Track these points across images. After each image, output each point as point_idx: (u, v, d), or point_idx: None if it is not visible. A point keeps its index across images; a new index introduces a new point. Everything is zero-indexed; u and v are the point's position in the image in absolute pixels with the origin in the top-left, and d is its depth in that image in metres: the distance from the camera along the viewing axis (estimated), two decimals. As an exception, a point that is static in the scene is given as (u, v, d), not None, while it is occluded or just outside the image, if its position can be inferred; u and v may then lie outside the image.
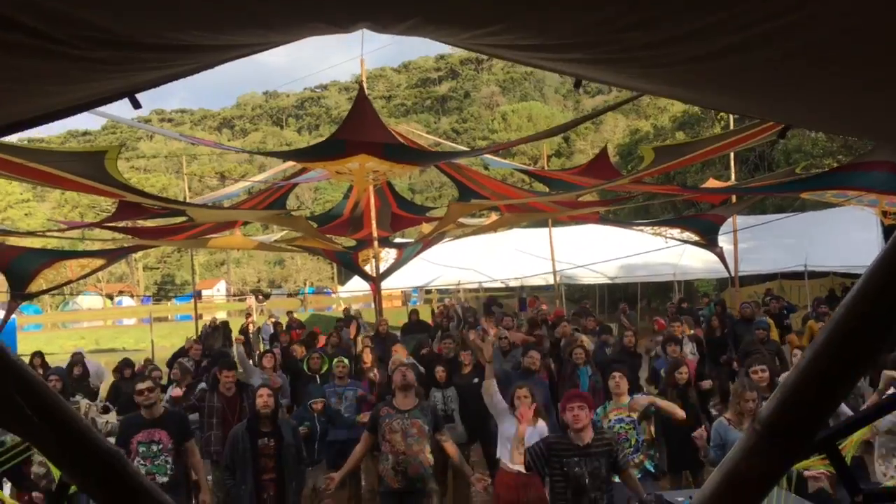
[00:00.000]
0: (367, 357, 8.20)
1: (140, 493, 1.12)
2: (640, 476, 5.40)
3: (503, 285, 23.22)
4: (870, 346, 1.03)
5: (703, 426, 5.77)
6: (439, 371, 7.29)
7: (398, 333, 12.33)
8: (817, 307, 11.90)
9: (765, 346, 9.18)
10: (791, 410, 1.08)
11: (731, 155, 16.44)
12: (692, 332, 10.23)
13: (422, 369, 7.46)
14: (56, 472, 1.17)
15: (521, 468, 5.03)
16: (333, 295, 39.58)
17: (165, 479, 5.30)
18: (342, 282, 35.03)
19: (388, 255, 15.81)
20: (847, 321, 1.03)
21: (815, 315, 11.26)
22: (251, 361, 9.38)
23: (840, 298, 14.77)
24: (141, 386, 5.53)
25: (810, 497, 4.00)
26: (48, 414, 1.04)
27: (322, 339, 11.10)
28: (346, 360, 7.84)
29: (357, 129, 7.61)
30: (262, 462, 5.37)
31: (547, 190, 13.41)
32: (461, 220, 13.99)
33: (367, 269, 14.37)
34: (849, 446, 1.52)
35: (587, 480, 4.26)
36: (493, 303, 17.18)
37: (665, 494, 4.48)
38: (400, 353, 8.00)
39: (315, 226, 13.56)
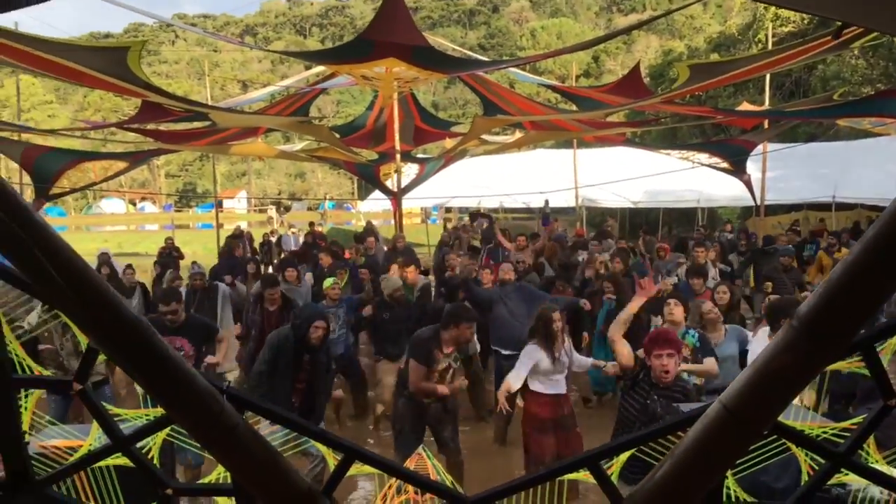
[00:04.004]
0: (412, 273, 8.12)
1: (167, 361, 1.12)
2: None
3: (524, 205, 23.04)
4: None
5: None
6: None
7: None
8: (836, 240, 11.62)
9: (787, 274, 9.15)
10: (832, 308, 1.02)
11: (767, 79, 15.86)
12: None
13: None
14: (83, 339, 1.16)
15: (560, 391, 5.30)
16: (353, 210, 39.58)
17: None
18: (362, 197, 34.96)
19: (410, 170, 15.69)
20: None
21: (826, 248, 11.07)
22: (270, 269, 9.44)
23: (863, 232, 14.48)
24: (165, 308, 5.48)
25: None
26: (74, 277, 1.01)
27: (347, 253, 11.10)
28: (340, 283, 7.52)
29: (386, 29, 7.40)
30: (298, 375, 5.33)
31: (575, 109, 13.09)
32: (484, 136, 13.77)
33: (389, 183, 14.30)
34: (888, 349, 1.49)
35: (659, 411, 4.16)
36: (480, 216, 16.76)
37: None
38: (395, 274, 7.90)
39: (338, 136, 13.42)
